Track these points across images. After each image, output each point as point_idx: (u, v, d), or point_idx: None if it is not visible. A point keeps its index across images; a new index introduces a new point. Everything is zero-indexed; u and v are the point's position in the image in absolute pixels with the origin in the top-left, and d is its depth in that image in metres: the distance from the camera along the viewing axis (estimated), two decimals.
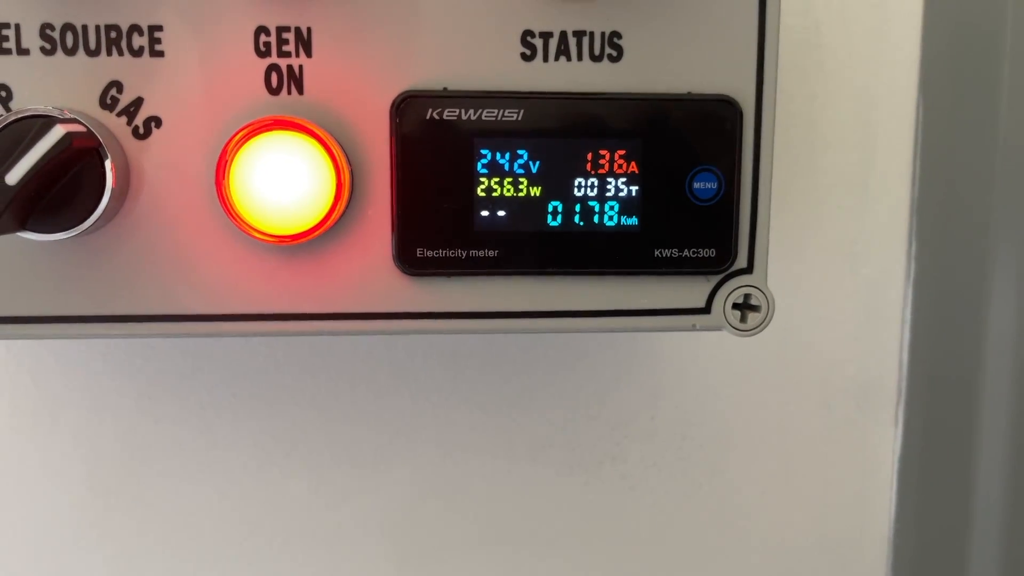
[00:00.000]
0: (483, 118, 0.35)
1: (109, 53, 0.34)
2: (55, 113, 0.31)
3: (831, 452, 0.56)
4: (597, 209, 0.36)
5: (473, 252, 0.36)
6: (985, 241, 0.55)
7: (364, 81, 0.34)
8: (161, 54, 0.34)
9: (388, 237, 0.35)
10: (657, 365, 0.54)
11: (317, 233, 0.34)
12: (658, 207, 0.36)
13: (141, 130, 0.34)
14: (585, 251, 0.36)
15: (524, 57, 0.35)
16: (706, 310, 0.37)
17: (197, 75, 0.34)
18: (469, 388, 0.53)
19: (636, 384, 0.54)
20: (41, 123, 0.30)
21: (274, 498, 0.53)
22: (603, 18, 0.35)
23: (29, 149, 0.30)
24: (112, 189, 0.32)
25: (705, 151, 0.36)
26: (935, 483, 0.57)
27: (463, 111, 0.35)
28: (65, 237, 0.33)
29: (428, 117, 0.34)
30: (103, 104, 0.34)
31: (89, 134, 0.32)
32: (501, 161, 0.35)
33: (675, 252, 0.36)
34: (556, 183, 0.35)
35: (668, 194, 0.36)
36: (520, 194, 0.35)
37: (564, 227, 0.36)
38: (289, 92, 0.34)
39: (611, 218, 0.36)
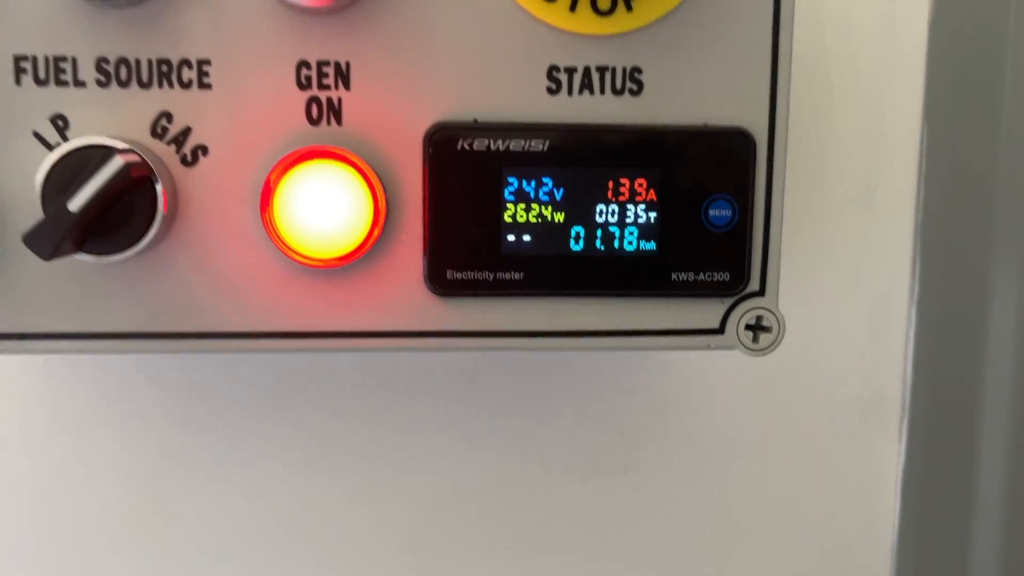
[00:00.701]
0: (511, 148, 0.37)
1: (160, 85, 0.36)
2: (114, 144, 0.34)
3: (836, 464, 0.57)
4: (617, 234, 0.37)
5: (500, 274, 0.37)
6: (987, 261, 0.56)
7: (399, 113, 0.36)
8: (209, 86, 0.36)
9: (420, 260, 0.37)
10: (669, 379, 0.56)
11: (356, 257, 0.36)
12: (675, 233, 0.38)
13: (189, 158, 0.36)
14: (605, 274, 0.38)
15: (550, 91, 0.37)
16: (720, 331, 0.39)
17: (242, 106, 0.36)
18: (487, 399, 0.55)
19: (648, 397, 0.56)
20: (102, 153, 0.32)
21: (298, 504, 0.55)
22: (624, 54, 0.37)
23: (90, 178, 0.32)
24: (163, 214, 0.34)
25: (720, 180, 0.37)
26: (938, 495, 0.58)
27: (492, 141, 0.37)
28: (118, 259, 0.35)
29: (459, 147, 0.36)
30: (153, 133, 0.36)
31: (143, 163, 0.34)
32: (527, 188, 0.37)
33: (691, 276, 0.38)
34: (579, 209, 0.37)
35: (685, 221, 0.37)
36: (545, 220, 0.37)
37: (586, 251, 0.37)
38: (329, 123, 0.36)
39: (630, 243, 0.38)
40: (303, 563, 0.55)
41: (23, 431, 0.53)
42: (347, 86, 0.36)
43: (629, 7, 0.36)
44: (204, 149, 0.36)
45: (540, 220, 0.37)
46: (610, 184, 0.37)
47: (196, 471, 0.54)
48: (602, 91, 0.37)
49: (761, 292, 0.39)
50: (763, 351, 0.39)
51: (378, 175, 0.36)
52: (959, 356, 0.57)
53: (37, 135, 0.35)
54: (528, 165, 0.37)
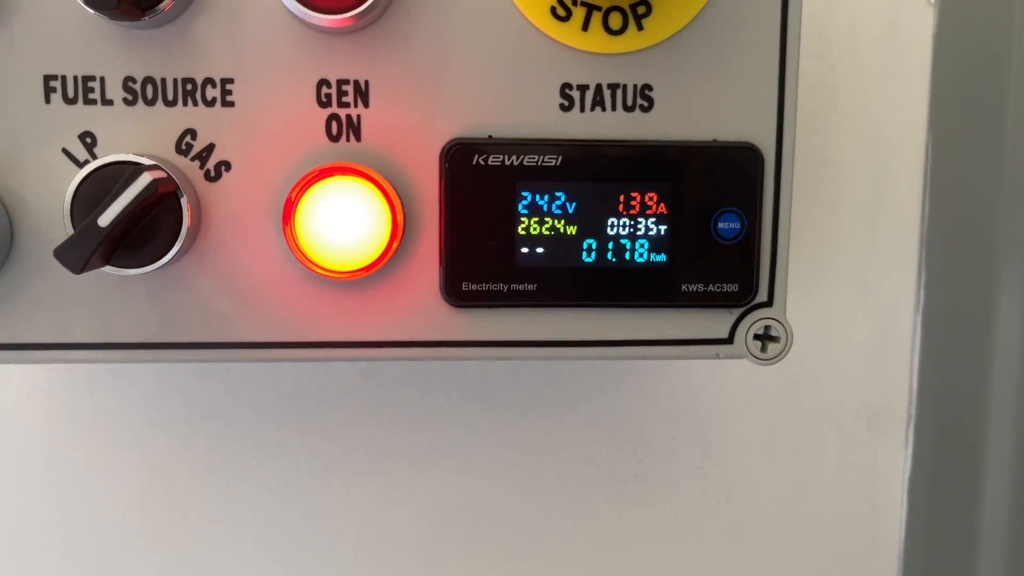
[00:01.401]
0: (524, 163, 0.38)
1: (185, 103, 0.37)
2: (141, 160, 0.35)
3: (843, 472, 0.58)
4: (628, 247, 0.38)
5: (514, 286, 0.38)
6: (992, 271, 0.57)
7: (416, 129, 0.37)
8: (232, 104, 0.37)
9: (436, 272, 0.38)
10: (679, 389, 0.56)
11: (374, 269, 0.37)
12: (685, 245, 0.38)
13: (212, 173, 0.37)
14: (617, 285, 0.39)
15: (562, 108, 0.38)
16: (729, 341, 0.40)
17: (264, 123, 0.37)
18: (498, 409, 0.56)
19: (658, 407, 0.56)
20: (131, 170, 0.33)
21: (314, 508, 0.56)
22: (635, 72, 0.38)
23: (120, 194, 0.33)
24: (188, 228, 0.36)
25: (729, 194, 0.38)
26: (944, 502, 0.59)
27: (506, 157, 0.38)
28: (144, 272, 0.36)
29: (474, 162, 0.37)
30: (178, 149, 0.37)
31: (169, 179, 0.35)
32: (540, 202, 0.38)
33: (700, 287, 0.39)
34: (591, 223, 0.38)
35: (694, 233, 0.38)
36: (557, 232, 0.38)
37: (598, 263, 0.38)
38: (348, 140, 0.37)
39: (641, 255, 0.39)
40: (319, 566, 0.56)
41: (47, 436, 0.54)
42: (366, 104, 0.37)
43: (640, 26, 0.37)
44: (227, 165, 0.37)
45: (553, 233, 0.38)
46: (621, 198, 0.38)
47: (214, 476, 0.55)
48: (613, 108, 0.38)
49: (769, 303, 0.40)
50: (771, 361, 0.40)
51: (396, 190, 0.37)
52: (964, 364, 0.58)
53: (66, 152, 0.36)
54: (541, 180, 0.38)
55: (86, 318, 0.38)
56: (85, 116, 0.36)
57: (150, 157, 0.36)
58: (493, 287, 0.38)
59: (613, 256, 0.38)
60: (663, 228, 0.38)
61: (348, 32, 0.37)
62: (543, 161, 0.38)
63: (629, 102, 0.38)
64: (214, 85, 0.37)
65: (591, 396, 0.56)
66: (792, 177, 0.39)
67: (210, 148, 0.37)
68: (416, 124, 0.37)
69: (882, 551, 0.59)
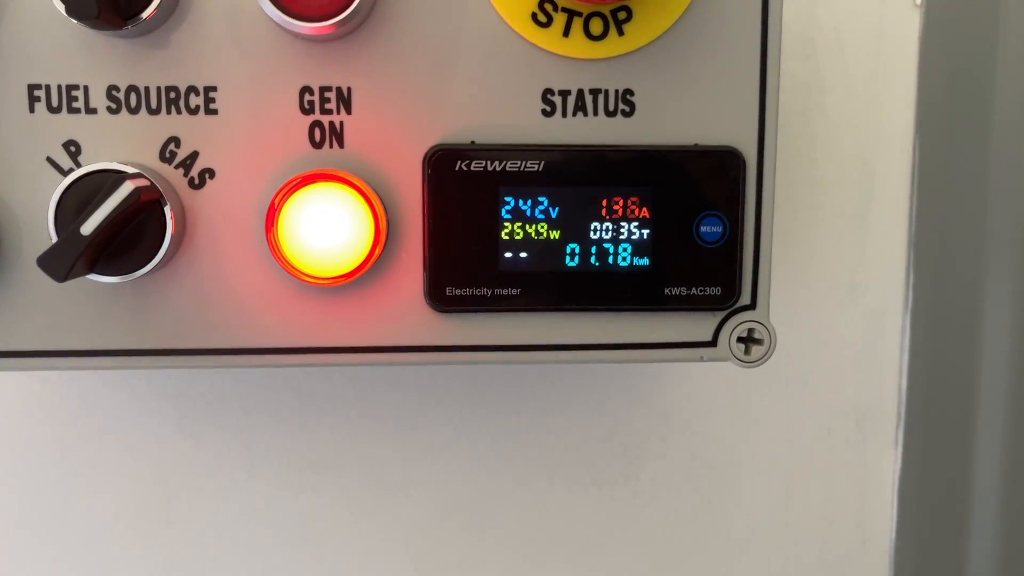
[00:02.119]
0: (507, 168, 0.38)
1: (168, 111, 0.37)
2: (124, 169, 0.35)
3: (833, 473, 0.58)
4: (611, 251, 0.39)
5: (498, 290, 0.39)
6: (980, 271, 0.57)
7: (399, 136, 0.38)
8: (215, 112, 0.37)
9: (420, 277, 0.38)
10: (668, 390, 0.57)
11: (357, 275, 0.37)
12: (668, 249, 0.39)
13: (196, 181, 0.37)
14: (600, 289, 0.39)
15: (544, 113, 0.38)
16: (713, 343, 0.40)
17: (247, 131, 0.37)
18: (488, 411, 0.56)
19: (648, 407, 0.57)
20: (113, 179, 0.34)
21: (304, 512, 0.56)
22: (617, 77, 0.38)
23: (102, 203, 0.33)
24: (172, 236, 0.36)
25: (711, 197, 0.39)
26: (934, 501, 0.59)
27: (489, 162, 0.38)
28: (128, 280, 0.36)
29: (457, 168, 0.38)
30: (162, 157, 0.37)
31: (152, 187, 0.35)
32: (523, 207, 0.38)
33: (684, 290, 0.39)
34: (574, 227, 0.38)
35: (677, 237, 0.39)
36: (541, 237, 0.38)
37: (581, 267, 0.39)
38: (331, 146, 0.37)
39: (624, 259, 0.39)
40: (310, 568, 0.56)
41: (39, 440, 0.54)
42: (348, 110, 0.37)
43: (621, 32, 0.38)
44: (211, 172, 0.37)
45: (536, 237, 0.38)
46: (604, 202, 0.38)
47: (204, 482, 0.55)
48: (595, 113, 0.38)
49: (752, 305, 0.40)
50: (755, 363, 0.40)
51: (379, 196, 0.37)
52: (953, 364, 0.58)
53: (51, 160, 0.37)
54: (524, 185, 0.38)
55: (73, 326, 0.38)
56: (69, 125, 0.37)
57: (134, 165, 0.36)
58: (477, 292, 0.38)
59: (596, 260, 0.39)
60: (646, 232, 0.39)
61: (330, 39, 0.37)
62: (526, 166, 0.38)
63: (611, 107, 0.38)
64: (197, 93, 0.37)
65: (581, 397, 0.56)
66: (774, 181, 0.39)
67: (194, 156, 0.37)
68: (399, 130, 0.38)
69: (872, 551, 0.59)
